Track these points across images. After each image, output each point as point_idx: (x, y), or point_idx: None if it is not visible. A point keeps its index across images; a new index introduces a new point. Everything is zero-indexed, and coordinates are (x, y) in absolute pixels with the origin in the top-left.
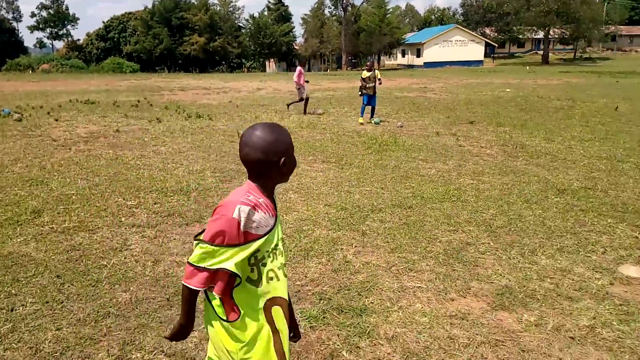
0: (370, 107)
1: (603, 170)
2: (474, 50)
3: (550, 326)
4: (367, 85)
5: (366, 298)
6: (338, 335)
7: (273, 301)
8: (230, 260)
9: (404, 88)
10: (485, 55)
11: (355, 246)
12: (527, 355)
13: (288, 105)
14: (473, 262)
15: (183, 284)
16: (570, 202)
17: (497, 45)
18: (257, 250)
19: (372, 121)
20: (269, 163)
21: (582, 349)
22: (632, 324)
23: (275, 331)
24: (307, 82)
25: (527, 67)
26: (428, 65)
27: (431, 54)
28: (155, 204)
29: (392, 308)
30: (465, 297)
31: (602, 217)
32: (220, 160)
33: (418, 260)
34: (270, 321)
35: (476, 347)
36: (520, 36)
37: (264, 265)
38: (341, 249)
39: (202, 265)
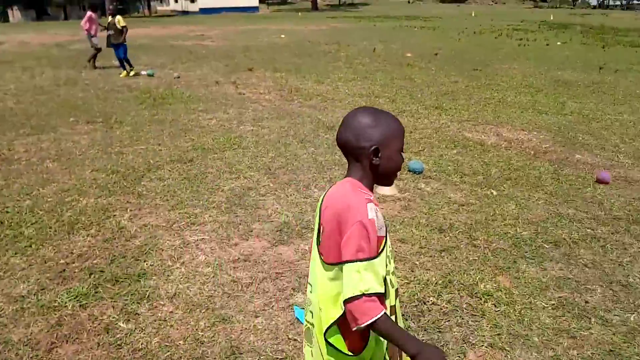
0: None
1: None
2: None
3: None
4: (109, 34)
5: (145, 262)
6: (113, 307)
7: (391, 312)
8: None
9: (180, 36)
10: (261, 2)
11: (131, 210)
12: (303, 281)
13: (89, 60)
14: (254, 205)
15: (368, 325)
16: None
17: None
18: (387, 257)
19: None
20: (358, 149)
21: None
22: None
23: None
24: (106, 28)
25: (299, 14)
26: (204, 11)
27: None
28: None
29: (173, 266)
30: (247, 240)
31: None
32: None
33: (200, 213)
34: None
35: (258, 284)
36: None
37: (388, 272)
38: (114, 215)
39: (377, 292)
